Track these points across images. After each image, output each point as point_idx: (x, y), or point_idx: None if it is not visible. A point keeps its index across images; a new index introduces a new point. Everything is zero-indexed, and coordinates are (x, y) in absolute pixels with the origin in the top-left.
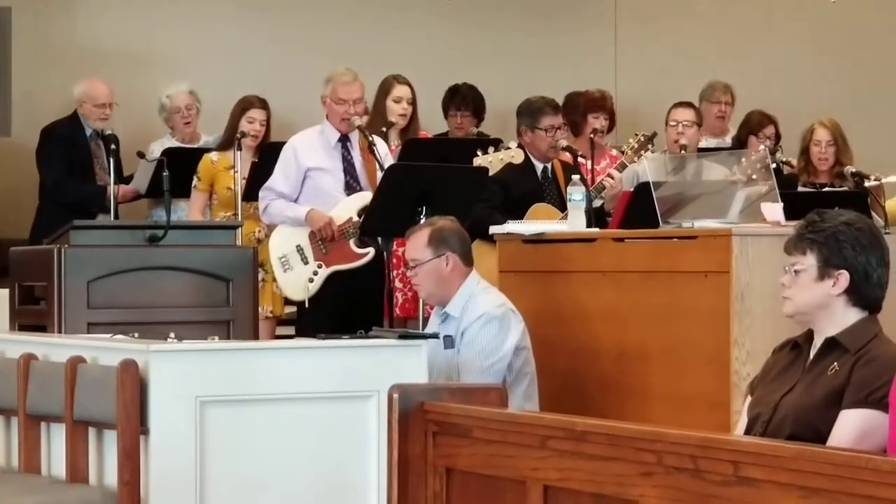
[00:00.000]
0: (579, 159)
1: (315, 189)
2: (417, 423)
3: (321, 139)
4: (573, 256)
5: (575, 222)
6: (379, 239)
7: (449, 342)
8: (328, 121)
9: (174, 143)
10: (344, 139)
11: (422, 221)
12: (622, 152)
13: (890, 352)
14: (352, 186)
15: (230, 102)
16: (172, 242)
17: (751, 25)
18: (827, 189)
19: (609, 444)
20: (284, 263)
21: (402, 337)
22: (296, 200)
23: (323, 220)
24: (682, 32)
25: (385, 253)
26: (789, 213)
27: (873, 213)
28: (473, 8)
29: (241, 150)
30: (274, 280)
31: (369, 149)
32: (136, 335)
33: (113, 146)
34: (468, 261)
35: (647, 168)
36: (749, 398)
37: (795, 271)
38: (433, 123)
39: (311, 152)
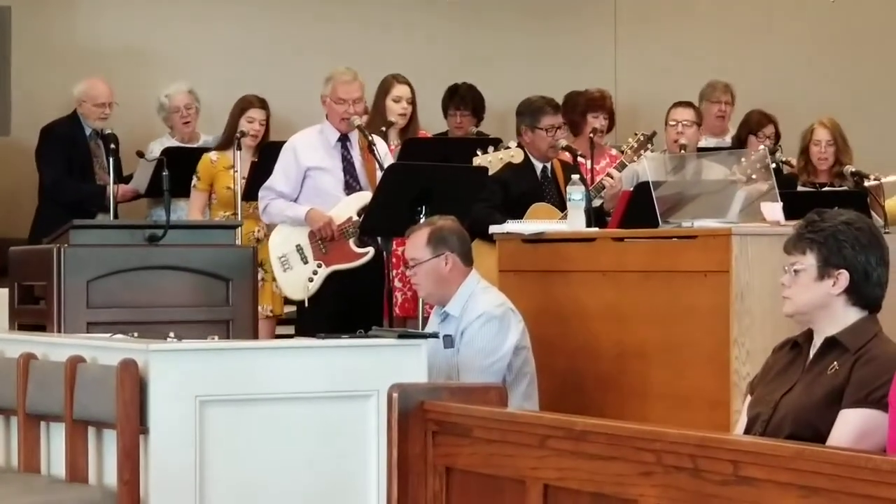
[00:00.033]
0: (579, 159)
1: (315, 188)
2: (417, 422)
3: (321, 139)
4: (573, 256)
5: (574, 222)
6: (378, 238)
7: (448, 341)
8: (328, 120)
9: (173, 143)
10: (344, 139)
11: (421, 221)
12: (622, 152)
13: (890, 351)
14: (351, 186)
15: (230, 102)
16: (172, 242)
17: (751, 25)
18: (826, 189)
19: (608, 444)
20: (284, 263)
21: (402, 336)
22: (295, 200)
23: (323, 220)
24: (682, 32)
25: (385, 252)
26: (789, 213)
27: (873, 213)
28: (473, 8)
29: (240, 149)
30: (273, 279)
31: (369, 148)
32: (136, 335)
33: (112, 146)
34: (468, 260)
35: (647, 167)
36: (749, 398)
37: (795, 271)
38: (433, 123)
39: (310, 152)
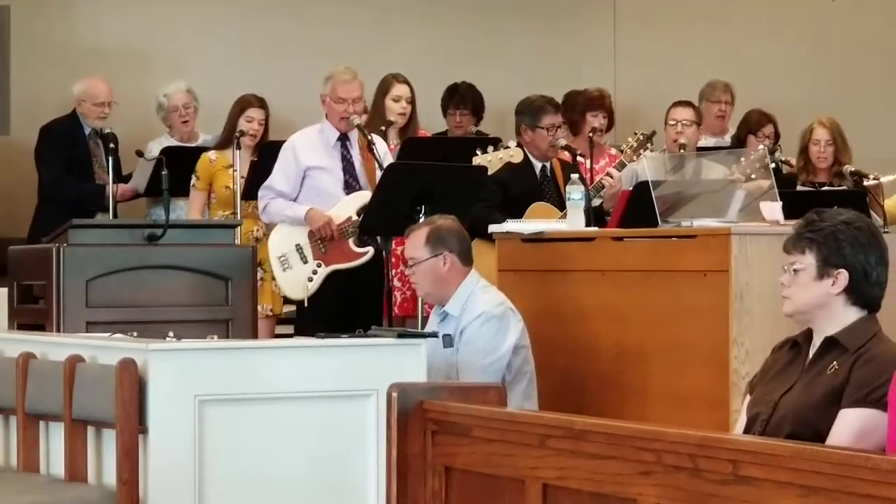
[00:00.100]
0: (578, 158)
1: (314, 188)
2: (416, 421)
3: (320, 138)
4: (572, 255)
5: (574, 221)
6: (378, 238)
7: (448, 341)
8: (327, 120)
9: (172, 142)
10: (343, 138)
11: (421, 220)
12: (621, 151)
13: (889, 351)
14: (351, 185)
15: (229, 101)
16: (171, 241)
17: (750, 25)
18: (826, 188)
19: (608, 443)
20: (283, 262)
21: (401, 336)
22: (295, 199)
23: (322, 220)
24: (682, 32)
25: (384, 252)
26: (788, 213)
27: (872, 213)
28: (472, 7)
29: (239, 149)
30: (273, 279)
31: (368, 148)
32: (135, 334)
33: (112, 145)
34: (467, 260)
35: (647, 167)
36: (748, 397)
37: (795, 270)
38: (432, 122)
39: (310, 151)
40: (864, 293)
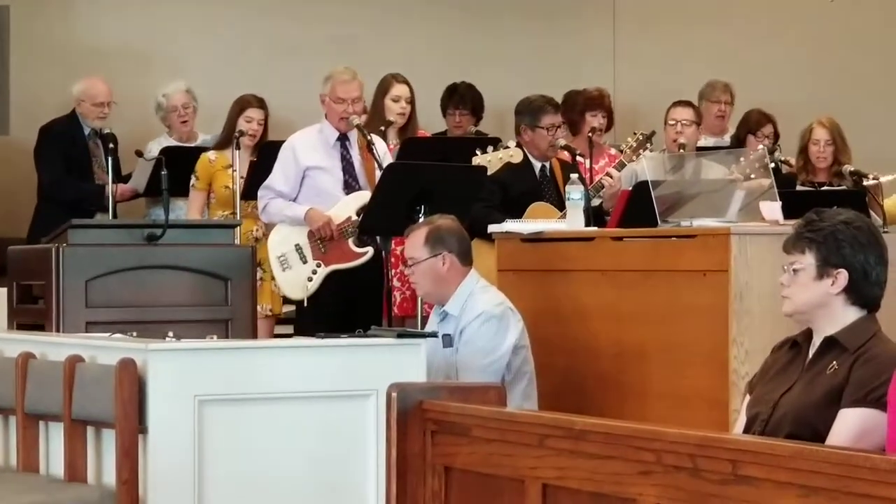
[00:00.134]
0: (578, 158)
1: (314, 188)
2: (416, 421)
3: (320, 138)
4: (572, 255)
5: (573, 221)
6: (377, 238)
7: (448, 341)
8: (327, 120)
9: (171, 142)
10: (343, 138)
11: (421, 220)
12: (621, 151)
13: (889, 351)
14: (350, 185)
15: (228, 101)
16: (171, 241)
17: (750, 25)
18: (825, 188)
19: (608, 443)
20: (283, 262)
21: (401, 336)
22: (295, 199)
23: (322, 220)
24: (682, 32)
25: (384, 252)
26: (788, 212)
27: (871, 212)
28: (472, 7)
29: (239, 149)
30: (272, 279)
31: (368, 148)
32: (135, 334)
33: (111, 145)
34: (466, 260)
35: (646, 167)
36: (748, 397)
37: (794, 270)
38: (432, 122)
39: (310, 151)
40: (863, 293)
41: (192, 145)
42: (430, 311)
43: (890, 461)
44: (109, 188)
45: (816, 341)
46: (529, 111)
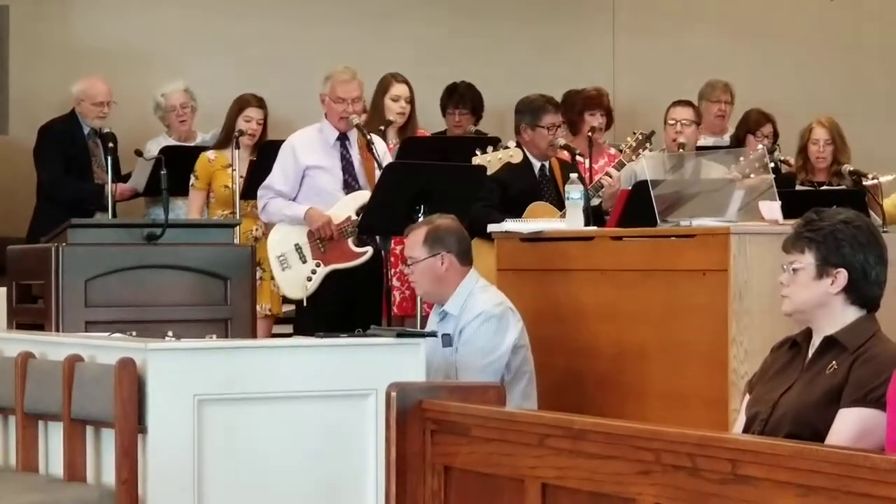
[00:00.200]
0: (577, 158)
1: (314, 187)
2: (416, 421)
3: (320, 137)
4: (571, 255)
5: (573, 221)
6: (377, 237)
7: (447, 340)
8: (327, 119)
9: (170, 142)
10: (342, 138)
11: (420, 220)
12: (620, 151)
13: (888, 350)
14: (350, 185)
15: (228, 101)
16: (170, 241)
17: (750, 25)
18: (825, 188)
19: (607, 443)
20: (283, 262)
21: (400, 335)
22: (294, 199)
23: (321, 219)
24: (682, 32)
25: (383, 251)
26: (787, 212)
27: (871, 212)
28: (472, 7)
29: (238, 148)
30: (272, 278)
31: (368, 147)
32: (134, 333)
33: (111, 144)
34: (466, 260)
35: (646, 166)
36: (747, 397)
37: (794, 270)
38: (431, 122)
39: (309, 151)
40: (863, 292)
41: (192, 145)
42: (429, 311)
43: (889, 461)
44: (109, 188)
45: (816, 341)
46: (530, 110)
